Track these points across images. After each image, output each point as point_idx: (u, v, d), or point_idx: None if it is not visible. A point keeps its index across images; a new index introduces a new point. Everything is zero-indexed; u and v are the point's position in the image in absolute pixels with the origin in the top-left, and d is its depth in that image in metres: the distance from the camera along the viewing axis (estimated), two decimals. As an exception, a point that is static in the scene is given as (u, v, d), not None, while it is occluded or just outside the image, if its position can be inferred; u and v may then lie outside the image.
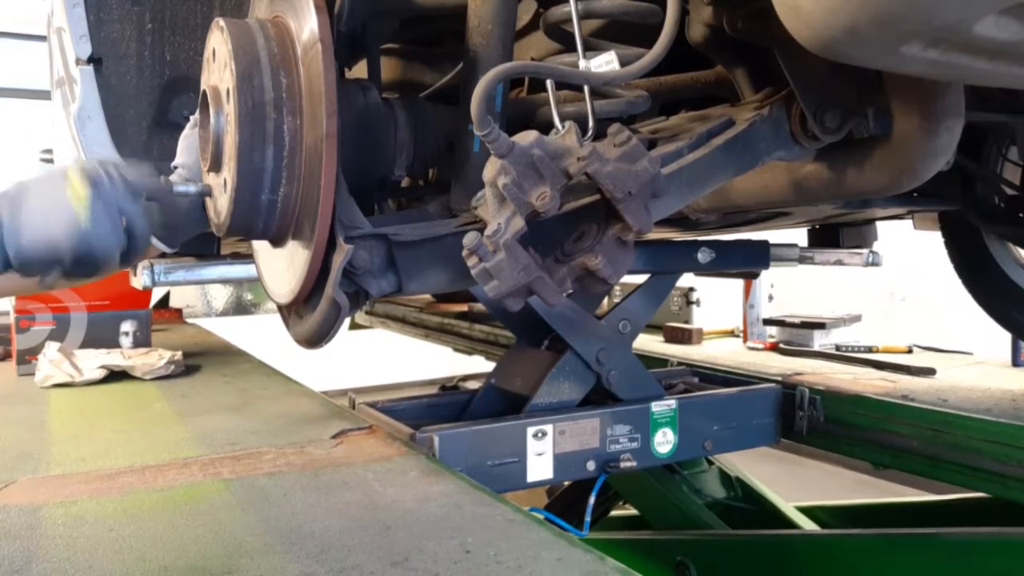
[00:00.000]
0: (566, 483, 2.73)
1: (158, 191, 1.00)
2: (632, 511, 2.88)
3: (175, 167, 1.19)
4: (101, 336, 2.57)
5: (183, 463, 1.46)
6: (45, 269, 0.89)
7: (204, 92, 1.15)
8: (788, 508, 2.60)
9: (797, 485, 3.95)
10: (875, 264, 2.52)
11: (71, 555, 1.04)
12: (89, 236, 0.88)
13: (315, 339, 1.22)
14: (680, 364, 2.52)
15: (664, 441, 1.88)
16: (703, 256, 2.02)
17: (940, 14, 0.71)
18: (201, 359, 2.65)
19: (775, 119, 1.23)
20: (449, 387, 3.08)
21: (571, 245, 1.04)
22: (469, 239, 0.95)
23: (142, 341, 2.65)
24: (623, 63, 1.04)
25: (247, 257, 1.59)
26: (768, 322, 3.16)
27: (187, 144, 1.21)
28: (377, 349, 6.17)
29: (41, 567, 1.01)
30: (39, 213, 0.87)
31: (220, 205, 1.12)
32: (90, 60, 1.60)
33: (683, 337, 3.06)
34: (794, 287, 4.03)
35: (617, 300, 2.35)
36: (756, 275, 2.54)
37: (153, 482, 1.35)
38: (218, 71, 1.12)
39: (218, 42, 1.12)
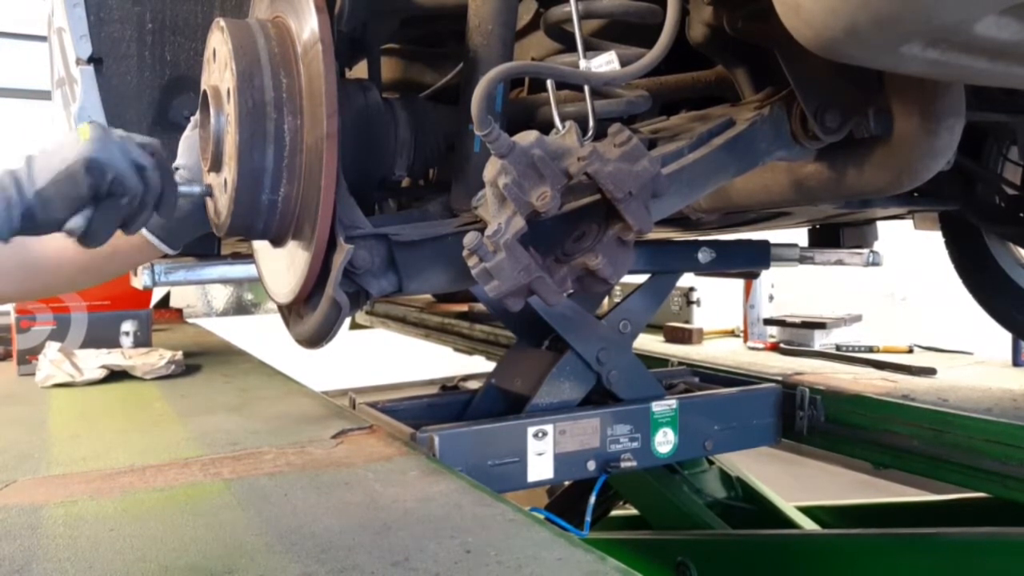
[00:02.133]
0: (566, 483, 2.73)
1: (158, 155, 1.01)
2: (632, 511, 2.88)
3: (176, 168, 1.20)
4: (101, 336, 2.57)
5: (183, 463, 1.46)
6: (68, 206, 0.91)
7: (204, 92, 1.15)
8: (788, 508, 2.60)
9: (797, 485, 3.95)
10: (875, 264, 2.52)
11: (71, 555, 1.04)
12: (98, 152, 0.92)
13: (315, 339, 1.22)
14: (680, 364, 2.52)
15: (664, 441, 1.88)
16: (703, 256, 2.02)
17: (940, 14, 0.71)
18: (201, 359, 2.66)
19: (775, 119, 1.23)
20: (449, 387, 3.07)
21: (571, 245, 1.04)
22: (469, 239, 0.95)
23: (142, 341, 2.65)
24: (623, 63, 1.04)
25: (247, 257, 1.59)
26: (768, 322, 3.16)
27: (188, 144, 1.21)
28: (377, 349, 6.17)
29: (41, 567, 1.01)
30: (50, 155, 0.92)
31: (220, 205, 1.12)
32: (90, 60, 1.60)
33: (683, 337, 3.06)
34: (794, 287, 4.03)
35: (617, 300, 2.34)
36: (756, 275, 2.54)
37: (153, 482, 1.35)
38: (218, 71, 1.12)
39: (218, 42, 1.12)
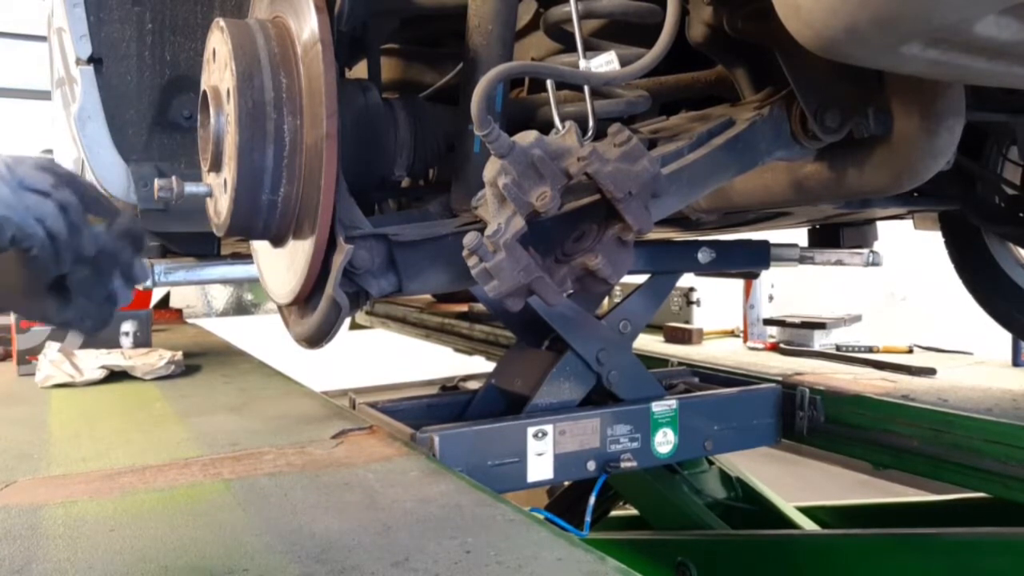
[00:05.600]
0: (566, 483, 2.73)
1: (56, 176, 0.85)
2: (632, 511, 2.88)
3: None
4: (101, 336, 2.57)
5: (183, 463, 1.46)
6: None
7: (204, 92, 1.15)
8: (788, 508, 2.60)
9: (797, 485, 3.95)
10: (875, 264, 2.52)
11: (71, 555, 1.04)
12: None
13: (315, 339, 1.23)
14: (680, 364, 2.52)
15: (664, 441, 1.88)
16: (703, 256, 2.02)
17: (940, 14, 0.71)
18: (201, 359, 2.65)
19: (775, 119, 1.23)
20: (449, 387, 3.07)
21: (571, 245, 1.04)
22: (469, 239, 0.95)
23: (142, 341, 2.65)
24: (623, 63, 1.04)
25: (247, 257, 1.59)
26: (768, 322, 3.16)
27: None
28: (377, 349, 6.17)
29: (41, 567, 1.01)
30: None
31: (220, 205, 1.12)
32: (90, 60, 1.61)
33: (683, 337, 3.06)
34: (794, 287, 4.03)
35: (617, 300, 2.35)
36: (756, 275, 2.54)
37: (153, 482, 1.35)
38: (218, 71, 1.13)
39: (218, 42, 1.12)
